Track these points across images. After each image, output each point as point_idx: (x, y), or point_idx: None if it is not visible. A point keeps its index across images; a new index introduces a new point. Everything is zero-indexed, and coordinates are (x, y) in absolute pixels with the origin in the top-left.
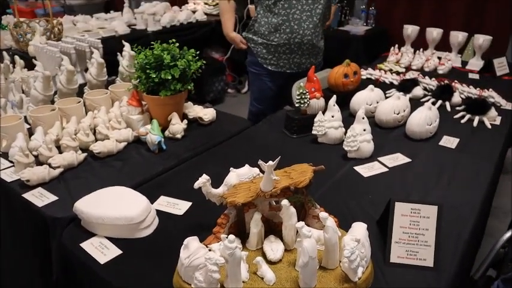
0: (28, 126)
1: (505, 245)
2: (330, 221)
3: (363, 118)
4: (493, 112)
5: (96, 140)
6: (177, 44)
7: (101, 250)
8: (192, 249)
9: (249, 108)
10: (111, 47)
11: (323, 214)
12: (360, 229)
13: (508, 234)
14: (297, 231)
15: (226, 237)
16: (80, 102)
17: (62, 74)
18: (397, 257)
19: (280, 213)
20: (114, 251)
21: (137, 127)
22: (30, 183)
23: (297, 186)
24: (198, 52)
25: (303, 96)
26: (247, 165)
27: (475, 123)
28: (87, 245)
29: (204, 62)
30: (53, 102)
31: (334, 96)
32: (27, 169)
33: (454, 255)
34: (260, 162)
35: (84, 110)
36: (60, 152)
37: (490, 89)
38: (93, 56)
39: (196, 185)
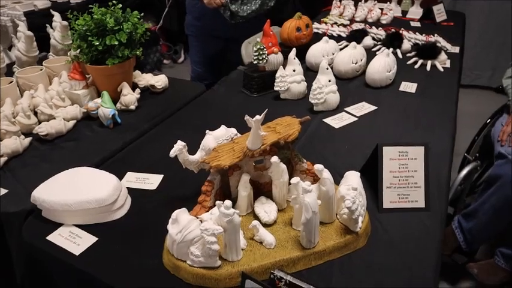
0: None
1: (461, 183)
2: (327, 173)
3: (327, 69)
4: (443, 55)
5: (39, 121)
6: (120, 5)
7: (72, 240)
8: (182, 222)
9: (190, 75)
10: (32, 22)
11: (318, 166)
12: (353, 178)
13: (464, 172)
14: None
15: (222, 203)
16: (12, 82)
17: None
18: (390, 202)
19: (269, 172)
20: (89, 239)
21: (84, 103)
22: None
23: (286, 140)
24: (142, 14)
25: (261, 52)
26: (223, 126)
27: (428, 67)
28: (55, 237)
29: (150, 24)
30: None
31: (294, 49)
32: None
33: (440, 194)
34: (247, 117)
35: (19, 90)
36: None
37: (436, 35)
38: (19, 29)
39: (172, 153)
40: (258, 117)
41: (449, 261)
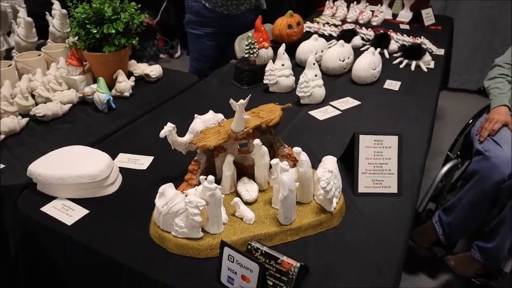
0: None
1: (442, 179)
2: (304, 155)
3: (314, 64)
4: (427, 57)
5: (36, 103)
6: None
7: (65, 212)
8: (168, 196)
9: (189, 70)
10: (29, 11)
11: (297, 149)
12: (330, 162)
13: (444, 169)
14: (269, 171)
15: (205, 179)
16: (10, 65)
17: None
18: (365, 187)
19: (252, 154)
20: (80, 211)
21: (79, 88)
22: None
23: (268, 124)
24: (139, 5)
25: (252, 47)
26: (211, 111)
27: (413, 67)
28: (49, 209)
29: (147, 15)
30: None
31: (283, 44)
32: None
33: (413, 181)
34: (231, 101)
35: (17, 74)
36: None
37: (422, 37)
38: (19, 15)
39: (162, 133)
40: (242, 101)
41: (428, 254)
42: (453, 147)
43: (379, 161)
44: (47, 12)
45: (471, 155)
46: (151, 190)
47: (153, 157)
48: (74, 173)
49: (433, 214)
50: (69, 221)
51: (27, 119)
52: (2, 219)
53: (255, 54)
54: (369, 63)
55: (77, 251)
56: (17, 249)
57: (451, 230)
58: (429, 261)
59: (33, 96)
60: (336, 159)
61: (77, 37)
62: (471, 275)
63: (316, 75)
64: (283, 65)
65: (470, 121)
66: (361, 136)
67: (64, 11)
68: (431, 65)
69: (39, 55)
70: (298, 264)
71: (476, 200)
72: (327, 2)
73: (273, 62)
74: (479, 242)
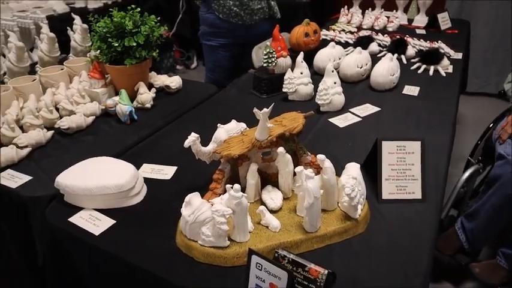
0: None
1: (464, 185)
2: (328, 162)
3: (332, 71)
4: (445, 61)
5: (61, 116)
6: (138, 9)
7: (92, 222)
8: (195, 205)
9: (204, 81)
10: (51, 26)
11: (321, 156)
12: (353, 168)
13: (466, 175)
14: (293, 179)
15: (231, 188)
16: (35, 80)
17: (11, 52)
18: (389, 194)
19: (276, 162)
20: (107, 222)
21: (102, 100)
22: None
23: (291, 132)
24: (158, 18)
25: (270, 56)
26: (233, 121)
27: (431, 72)
28: (77, 219)
29: (166, 27)
30: (2, 82)
31: (302, 52)
32: None
33: (437, 187)
34: (255, 110)
35: (41, 88)
36: (23, 132)
37: (439, 41)
38: (42, 31)
39: (187, 143)
40: (265, 109)
41: (452, 262)
42: (474, 152)
43: (402, 166)
44: (68, 28)
45: (493, 160)
46: (175, 200)
47: (176, 167)
48: (100, 184)
49: (455, 221)
50: (96, 231)
51: (52, 131)
52: (30, 230)
53: (274, 63)
54: (387, 69)
55: (104, 260)
56: (44, 259)
57: (474, 236)
58: (453, 269)
59: (57, 109)
60: (359, 165)
61: (98, 51)
62: (497, 283)
63: (335, 83)
64: (301, 73)
65: (490, 125)
66: (383, 142)
67: (85, 25)
68: (450, 69)
69: (62, 69)
70: (326, 272)
71: (500, 205)
72: (342, 9)
73: (292, 70)
74: (504, 249)
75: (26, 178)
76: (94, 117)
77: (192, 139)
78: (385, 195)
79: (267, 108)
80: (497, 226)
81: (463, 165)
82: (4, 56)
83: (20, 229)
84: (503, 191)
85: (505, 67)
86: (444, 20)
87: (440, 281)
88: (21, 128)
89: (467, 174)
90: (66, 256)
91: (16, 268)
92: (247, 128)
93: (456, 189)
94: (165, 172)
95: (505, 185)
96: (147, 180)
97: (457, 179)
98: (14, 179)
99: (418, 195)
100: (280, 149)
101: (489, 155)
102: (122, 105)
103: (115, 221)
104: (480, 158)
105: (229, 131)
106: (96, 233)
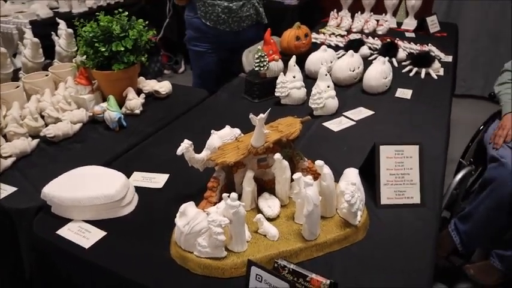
0: None
1: (456, 187)
2: (327, 168)
3: (326, 75)
4: (436, 64)
5: (46, 124)
6: (126, 13)
7: (82, 234)
8: (190, 215)
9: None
10: (34, 31)
11: (319, 162)
12: (352, 174)
13: (459, 176)
14: (290, 186)
15: (228, 196)
16: (18, 86)
17: None
18: (387, 198)
19: (272, 168)
20: (97, 233)
21: (89, 107)
22: None
23: (288, 138)
24: (147, 22)
25: (262, 59)
26: (227, 126)
27: (423, 75)
28: (65, 232)
29: (155, 32)
30: None
31: (294, 56)
32: None
33: (434, 191)
34: (251, 115)
35: (25, 95)
36: (7, 141)
37: (429, 44)
38: (26, 36)
39: (179, 151)
40: (262, 115)
41: (446, 263)
42: (465, 154)
43: (401, 171)
44: (53, 32)
45: (485, 162)
46: (168, 209)
47: (168, 175)
48: (89, 194)
49: (448, 222)
50: (86, 244)
51: (38, 140)
52: (17, 243)
53: (266, 67)
54: (380, 72)
55: (96, 274)
56: (31, 272)
57: (468, 238)
58: (447, 270)
59: (42, 117)
60: (357, 171)
61: (85, 56)
62: (491, 284)
63: (328, 86)
64: (294, 77)
65: (481, 127)
66: (381, 147)
67: (70, 30)
68: (441, 72)
69: (47, 75)
70: (328, 282)
71: (494, 207)
72: (332, 12)
73: (284, 74)
74: (498, 250)
75: (11, 189)
76: (81, 124)
77: (185, 146)
78: (384, 201)
79: (263, 113)
80: (491, 228)
81: (454, 167)
82: None
83: (5, 242)
84: (496, 193)
85: (490, 70)
86: (433, 23)
87: (434, 283)
88: (4, 136)
89: (459, 176)
90: (55, 270)
91: (2, 281)
92: (242, 134)
93: (449, 192)
94: (157, 180)
95: (499, 187)
96: (138, 189)
97: (448, 180)
98: None
99: (416, 199)
100: (277, 155)
101: (481, 157)
102: (111, 112)
103: (106, 233)
104: (472, 159)
105: (223, 137)
106: (86, 246)
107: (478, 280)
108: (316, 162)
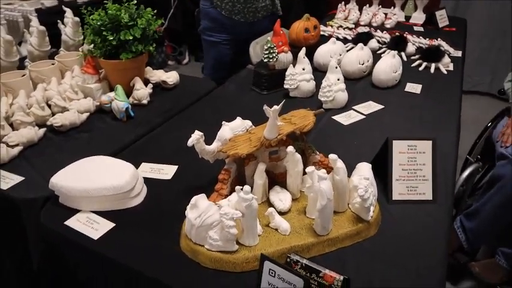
0: None
1: (463, 184)
2: (340, 163)
3: (336, 68)
4: (446, 59)
5: (53, 113)
6: (135, 1)
7: (90, 226)
8: (202, 207)
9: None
10: (39, 20)
11: (332, 156)
12: (365, 169)
13: (466, 173)
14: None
15: (241, 189)
16: (25, 75)
17: None
18: (399, 194)
19: (284, 161)
20: (106, 225)
21: (96, 96)
22: None
23: (302, 131)
24: (155, 11)
25: (271, 51)
26: (239, 118)
27: (432, 70)
28: (74, 222)
29: (163, 21)
30: None
31: (303, 48)
32: None
33: (446, 187)
34: (265, 107)
35: (31, 84)
36: (14, 130)
37: (439, 39)
38: (32, 24)
39: (190, 142)
40: (276, 107)
41: (451, 261)
42: (472, 151)
43: (413, 166)
44: (59, 21)
45: (492, 159)
46: (177, 201)
47: (177, 166)
48: (98, 185)
49: (453, 219)
50: (95, 235)
51: (45, 129)
52: (24, 234)
53: (275, 59)
54: (390, 66)
55: (105, 265)
56: (39, 264)
57: (474, 235)
58: (452, 267)
59: (49, 106)
60: (370, 165)
61: (92, 45)
62: (496, 282)
63: (338, 79)
64: (303, 69)
65: (489, 124)
66: (394, 142)
67: (77, 18)
68: (451, 67)
69: (53, 64)
70: (342, 278)
71: (501, 205)
72: (339, 5)
73: (293, 66)
74: (504, 249)
75: (18, 179)
76: (88, 114)
77: (196, 137)
78: (396, 196)
79: (275, 105)
80: (498, 226)
81: (460, 164)
82: None
83: (13, 232)
84: (504, 191)
85: (497, 66)
86: (442, 18)
87: None
88: (11, 125)
89: (467, 172)
90: (63, 261)
91: (9, 273)
92: (253, 126)
93: (455, 188)
94: (166, 171)
95: (507, 185)
96: (146, 180)
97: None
98: (5, 180)
99: (428, 196)
100: (290, 148)
101: (488, 154)
102: (118, 102)
103: (114, 224)
104: (479, 156)
105: (234, 129)
106: (95, 237)
107: (483, 278)
108: (330, 156)
